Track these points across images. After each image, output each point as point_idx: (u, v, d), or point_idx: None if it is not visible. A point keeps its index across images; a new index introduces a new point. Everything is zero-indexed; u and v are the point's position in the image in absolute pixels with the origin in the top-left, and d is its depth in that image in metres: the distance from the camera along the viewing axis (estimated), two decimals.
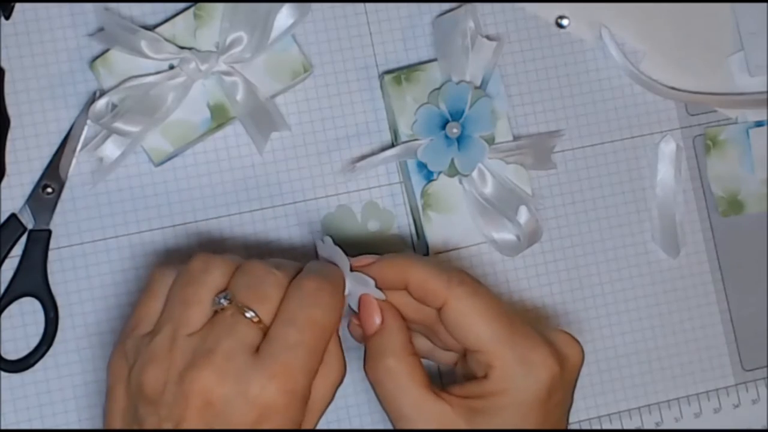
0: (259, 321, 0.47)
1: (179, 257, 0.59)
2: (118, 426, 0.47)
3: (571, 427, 0.63)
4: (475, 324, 0.50)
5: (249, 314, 0.46)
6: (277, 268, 0.49)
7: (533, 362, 0.50)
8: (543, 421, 0.50)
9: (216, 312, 0.47)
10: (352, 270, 0.51)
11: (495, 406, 0.50)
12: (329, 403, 0.49)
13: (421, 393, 0.50)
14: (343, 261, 0.51)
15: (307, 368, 0.46)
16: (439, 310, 0.51)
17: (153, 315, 0.48)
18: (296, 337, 0.46)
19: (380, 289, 0.51)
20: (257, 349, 0.46)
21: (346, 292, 0.51)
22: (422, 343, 0.55)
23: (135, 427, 0.46)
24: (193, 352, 0.46)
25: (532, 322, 0.52)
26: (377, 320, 0.51)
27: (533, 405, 0.50)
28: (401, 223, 0.62)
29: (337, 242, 0.51)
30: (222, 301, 0.47)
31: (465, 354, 0.52)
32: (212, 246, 0.60)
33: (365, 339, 0.52)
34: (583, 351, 0.52)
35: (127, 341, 0.48)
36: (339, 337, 0.50)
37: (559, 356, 0.51)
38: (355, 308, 0.52)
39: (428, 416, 0.50)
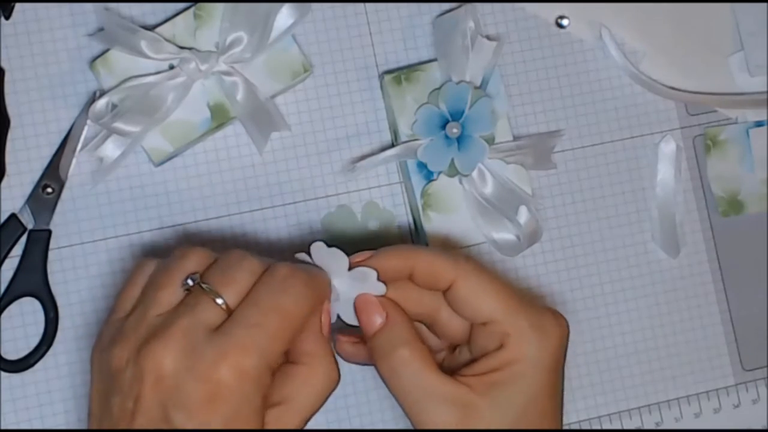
0: (225, 304, 0.47)
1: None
2: (95, 407, 0.47)
3: (572, 427, 0.63)
4: (486, 297, 0.51)
5: (215, 296, 0.47)
6: (257, 259, 0.49)
7: (545, 326, 0.51)
8: (556, 382, 0.52)
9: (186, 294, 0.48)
10: (351, 268, 0.51)
11: (513, 374, 0.50)
12: (316, 410, 0.48)
13: (438, 378, 0.50)
14: (341, 260, 0.51)
15: (264, 351, 0.46)
16: (446, 292, 0.51)
17: (130, 301, 0.49)
18: (257, 319, 0.46)
19: (382, 282, 0.51)
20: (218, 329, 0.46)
21: (336, 297, 0.51)
22: None
23: (105, 406, 0.46)
24: (153, 329, 0.46)
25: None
26: (379, 318, 0.51)
27: (549, 367, 0.51)
28: (401, 223, 0.62)
29: (333, 243, 0.51)
30: (188, 281, 0.47)
31: (470, 337, 0.53)
32: (212, 246, 0.59)
33: (367, 339, 0.52)
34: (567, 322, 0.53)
35: (104, 327, 0.49)
36: (330, 344, 0.49)
37: (561, 324, 0.52)
38: (347, 319, 0.52)
39: (448, 399, 0.50)
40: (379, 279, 0.51)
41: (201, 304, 0.47)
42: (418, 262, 0.51)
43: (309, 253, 0.51)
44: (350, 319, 0.52)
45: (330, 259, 0.51)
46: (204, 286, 0.47)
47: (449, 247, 0.60)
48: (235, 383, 0.45)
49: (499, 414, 0.50)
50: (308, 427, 0.48)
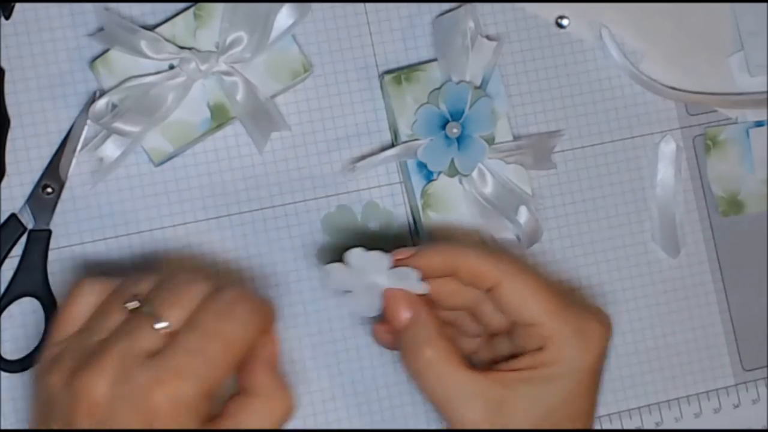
0: (167, 327, 0.45)
1: (179, 257, 0.59)
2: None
3: None
4: (530, 300, 0.51)
5: (155, 320, 0.45)
6: (205, 281, 0.47)
7: (587, 332, 0.51)
8: (593, 385, 0.52)
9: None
10: (392, 267, 0.51)
11: (550, 374, 0.51)
12: None
13: (464, 373, 0.50)
14: (382, 261, 0.51)
15: (202, 378, 0.44)
16: (489, 291, 0.52)
17: (70, 322, 0.48)
18: (196, 344, 0.44)
19: (422, 282, 0.51)
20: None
21: (379, 291, 0.51)
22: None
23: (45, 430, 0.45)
24: (90, 354, 0.45)
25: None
26: (406, 314, 0.51)
27: (589, 370, 0.51)
28: (401, 223, 0.62)
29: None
30: (129, 305, 0.46)
31: (510, 331, 0.53)
32: (212, 246, 0.60)
33: (396, 333, 0.52)
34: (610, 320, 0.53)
35: (45, 350, 0.48)
36: (281, 375, 0.48)
37: (606, 325, 0.52)
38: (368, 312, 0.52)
39: (477, 396, 0.50)
40: (420, 279, 0.51)
41: (139, 329, 0.45)
42: (461, 263, 0.51)
43: (341, 260, 0.51)
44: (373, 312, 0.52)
45: (370, 262, 0.51)
46: (144, 309, 0.45)
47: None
48: (169, 411, 0.43)
49: (527, 409, 0.50)
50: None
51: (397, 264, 0.51)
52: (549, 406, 0.50)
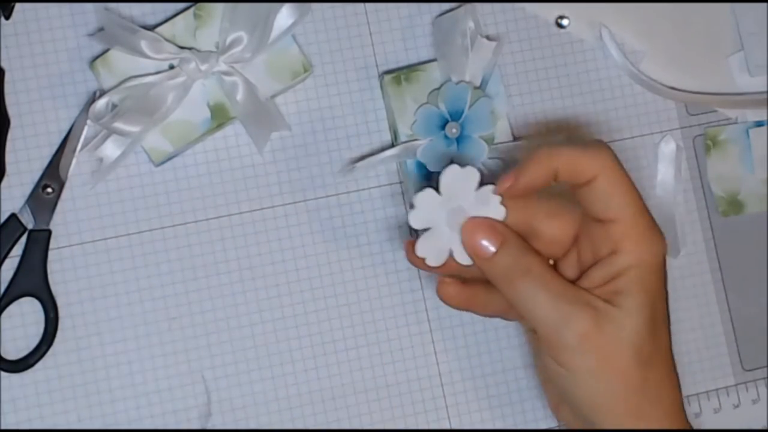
0: None
1: (179, 257, 0.59)
2: None
3: None
4: (623, 192, 0.51)
5: None
6: None
7: (657, 230, 0.51)
8: (665, 286, 0.52)
9: None
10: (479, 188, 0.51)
11: (634, 279, 0.50)
12: None
13: (569, 285, 0.50)
14: (472, 178, 0.51)
15: None
16: (582, 186, 0.51)
17: None
18: None
19: (503, 207, 0.51)
20: None
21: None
22: (498, 301, 0.54)
23: None
24: None
25: None
26: (490, 246, 0.51)
27: (662, 270, 0.51)
28: (401, 223, 0.62)
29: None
30: None
31: (573, 244, 0.53)
32: (212, 246, 0.60)
33: (483, 266, 0.51)
34: None
35: None
36: None
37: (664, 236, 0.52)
38: (458, 254, 0.51)
39: (584, 302, 0.50)
40: (501, 203, 0.51)
41: None
42: (560, 163, 0.51)
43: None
44: (460, 254, 0.52)
45: (460, 180, 0.51)
46: None
47: None
48: None
49: (631, 319, 0.50)
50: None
51: (502, 194, 0.51)
52: (649, 313, 0.50)
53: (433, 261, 0.52)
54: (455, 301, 0.55)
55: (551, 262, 0.54)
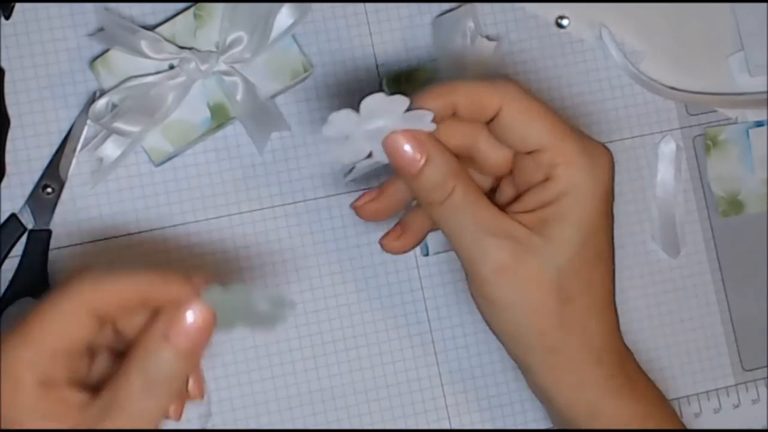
0: None
1: (179, 257, 0.59)
2: None
3: None
4: (534, 122, 0.48)
5: None
6: None
7: (593, 153, 0.49)
8: (608, 214, 0.49)
9: None
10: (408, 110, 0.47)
11: (565, 208, 0.48)
12: None
13: (492, 213, 0.48)
14: (399, 102, 0.47)
15: None
16: (490, 122, 0.49)
17: None
18: None
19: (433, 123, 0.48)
20: None
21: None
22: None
23: None
24: None
25: None
26: (417, 155, 0.47)
27: (601, 197, 0.48)
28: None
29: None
30: None
31: (512, 167, 0.50)
32: (212, 246, 0.60)
33: (409, 181, 0.48)
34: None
35: None
36: None
37: (610, 152, 0.50)
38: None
39: (502, 235, 0.47)
40: (433, 120, 0.48)
41: None
42: (459, 97, 0.48)
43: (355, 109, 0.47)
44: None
45: (386, 104, 0.47)
46: None
47: (449, 247, 0.60)
48: None
49: (555, 252, 0.48)
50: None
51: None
52: (576, 245, 0.47)
53: (348, 158, 0.49)
54: (371, 216, 0.52)
55: (491, 181, 0.52)
